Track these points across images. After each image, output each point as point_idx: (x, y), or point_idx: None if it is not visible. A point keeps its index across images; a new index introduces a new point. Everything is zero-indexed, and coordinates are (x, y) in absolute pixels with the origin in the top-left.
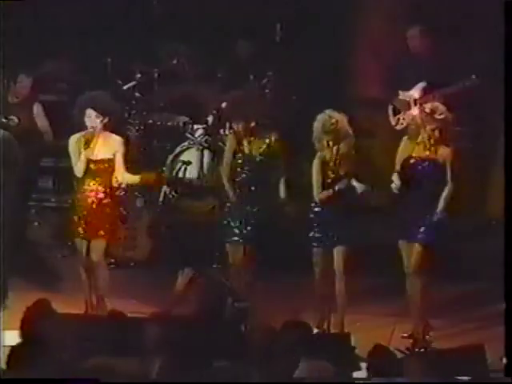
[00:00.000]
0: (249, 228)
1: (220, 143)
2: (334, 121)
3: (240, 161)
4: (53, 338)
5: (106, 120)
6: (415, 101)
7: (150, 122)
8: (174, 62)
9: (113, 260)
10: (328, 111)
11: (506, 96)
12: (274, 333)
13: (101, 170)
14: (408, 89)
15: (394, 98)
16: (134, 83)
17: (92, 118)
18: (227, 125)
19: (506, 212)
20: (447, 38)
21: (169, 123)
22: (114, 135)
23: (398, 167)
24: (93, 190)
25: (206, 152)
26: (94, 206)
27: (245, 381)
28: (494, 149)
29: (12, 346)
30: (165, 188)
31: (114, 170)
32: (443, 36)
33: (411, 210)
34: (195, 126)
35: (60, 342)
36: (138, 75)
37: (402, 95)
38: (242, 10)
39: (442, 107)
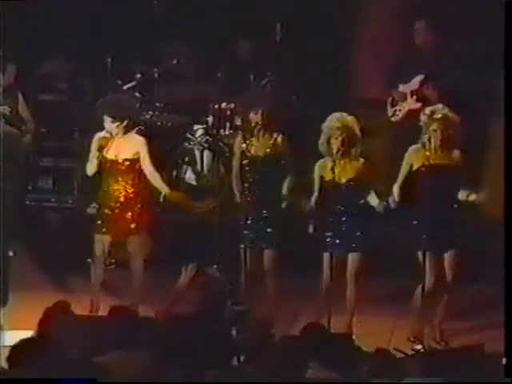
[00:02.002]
0: (259, 230)
1: (220, 143)
2: (349, 118)
3: (245, 162)
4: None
5: (124, 123)
6: (412, 92)
7: (150, 122)
8: (174, 62)
9: (113, 260)
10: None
11: (505, 96)
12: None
13: (123, 170)
14: (408, 82)
15: (393, 90)
16: (134, 83)
17: (108, 124)
18: (227, 125)
19: (505, 212)
20: (448, 35)
21: (169, 123)
22: (136, 136)
23: (401, 180)
24: (117, 189)
25: (206, 152)
26: (119, 204)
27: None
28: (492, 147)
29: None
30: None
31: (137, 170)
32: (445, 33)
33: (425, 218)
34: (195, 126)
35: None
36: (138, 75)
37: (402, 87)
38: (242, 9)
39: (441, 107)
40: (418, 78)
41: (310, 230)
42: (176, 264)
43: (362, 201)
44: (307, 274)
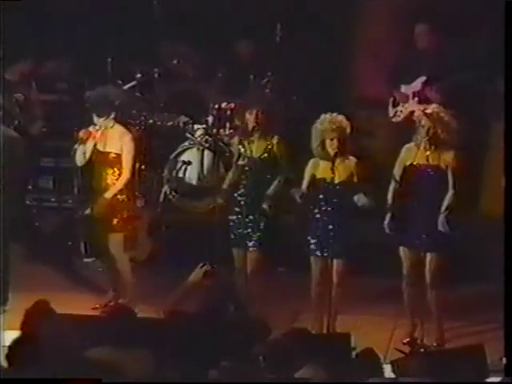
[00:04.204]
0: (253, 231)
1: (220, 143)
2: (339, 119)
3: (242, 163)
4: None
5: (112, 115)
6: (413, 93)
7: (150, 121)
8: (175, 61)
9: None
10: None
11: (506, 96)
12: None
13: (109, 162)
14: (409, 83)
15: (395, 91)
16: (134, 83)
17: (96, 118)
18: (227, 125)
19: (505, 212)
20: (449, 36)
21: (169, 123)
22: (124, 131)
23: (397, 177)
24: (102, 182)
25: (206, 152)
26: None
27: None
28: (492, 148)
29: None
30: (165, 188)
31: (121, 164)
32: (445, 34)
33: (414, 216)
34: (195, 126)
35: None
36: (139, 75)
37: (404, 88)
38: (242, 9)
39: (435, 106)
40: (420, 80)
41: (298, 199)
42: (176, 264)
43: (355, 198)
44: (298, 273)
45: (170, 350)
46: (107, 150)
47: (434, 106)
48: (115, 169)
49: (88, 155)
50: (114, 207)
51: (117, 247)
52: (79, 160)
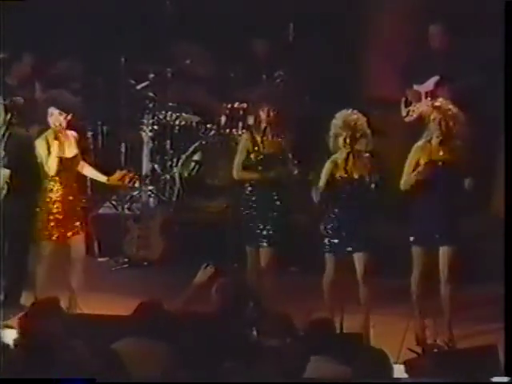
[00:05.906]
0: (268, 229)
1: (233, 143)
2: (355, 117)
3: (254, 160)
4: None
5: (69, 117)
6: (426, 93)
7: (163, 121)
8: (187, 61)
9: (126, 259)
10: (349, 110)
11: (505, 96)
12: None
13: (68, 167)
14: (422, 83)
15: (407, 90)
16: (147, 83)
17: (55, 116)
18: (240, 124)
19: (506, 212)
20: (462, 36)
21: (182, 123)
22: (73, 133)
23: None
24: (60, 188)
25: (218, 152)
26: (64, 204)
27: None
28: (495, 148)
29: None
30: (178, 187)
31: (77, 169)
32: (459, 34)
33: (427, 213)
34: (208, 126)
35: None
36: (152, 75)
37: (416, 88)
38: (254, 9)
39: (441, 99)
40: (433, 80)
41: (322, 229)
42: (189, 263)
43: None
44: (312, 272)
45: (183, 350)
46: (68, 155)
47: (441, 99)
48: (73, 174)
49: (56, 164)
50: (73, 209)
51: (78, 253)
52: (54, 165)
